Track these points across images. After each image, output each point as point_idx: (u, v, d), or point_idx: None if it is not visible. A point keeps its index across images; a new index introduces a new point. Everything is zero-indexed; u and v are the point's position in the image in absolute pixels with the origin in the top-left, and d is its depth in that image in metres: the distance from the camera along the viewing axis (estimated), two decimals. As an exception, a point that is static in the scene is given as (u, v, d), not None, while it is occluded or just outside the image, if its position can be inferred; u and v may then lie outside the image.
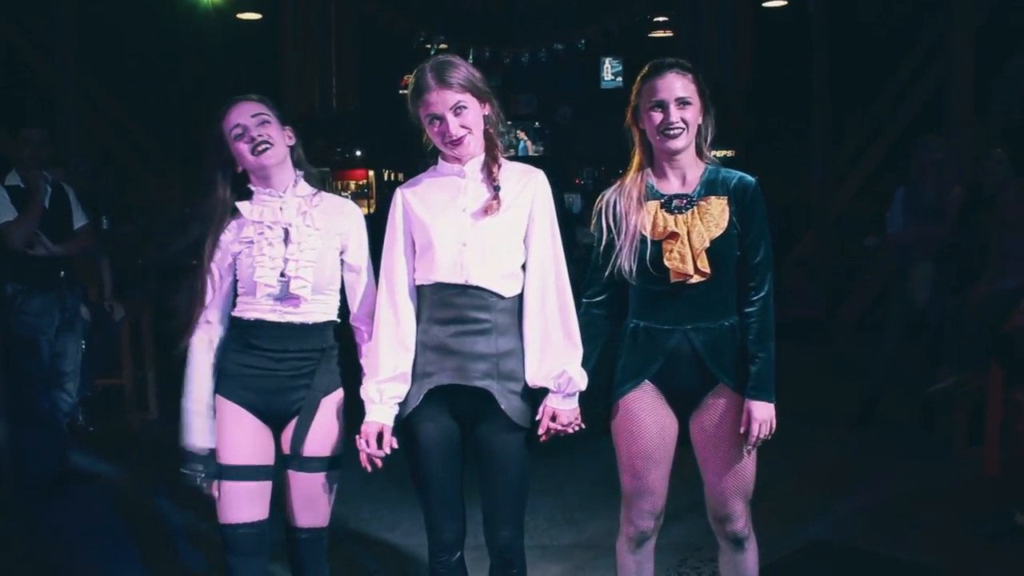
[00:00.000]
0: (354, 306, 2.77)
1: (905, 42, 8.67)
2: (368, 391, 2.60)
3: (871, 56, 9.39)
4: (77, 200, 5.04)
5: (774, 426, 2.64)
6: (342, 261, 2.74)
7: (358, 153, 16.46)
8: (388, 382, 2.59)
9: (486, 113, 2.61)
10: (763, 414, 2.62)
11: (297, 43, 9.64)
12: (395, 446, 2.58)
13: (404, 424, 2.60)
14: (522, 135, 14.68)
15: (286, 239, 2.64)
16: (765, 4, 9.95)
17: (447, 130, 2.53)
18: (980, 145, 7.00)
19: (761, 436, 2.63)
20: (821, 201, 10.03)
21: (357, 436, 2.57)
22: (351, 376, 2.73)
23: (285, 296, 2.63)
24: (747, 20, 9.22)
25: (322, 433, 2.67)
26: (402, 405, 2.60)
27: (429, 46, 9.61)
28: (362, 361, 2.73)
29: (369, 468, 2.57)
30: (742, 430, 2.64)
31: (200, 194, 2.76)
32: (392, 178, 16.58)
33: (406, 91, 2.65)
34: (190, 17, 9.29)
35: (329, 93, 9.78)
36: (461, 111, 2.53)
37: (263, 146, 2.62)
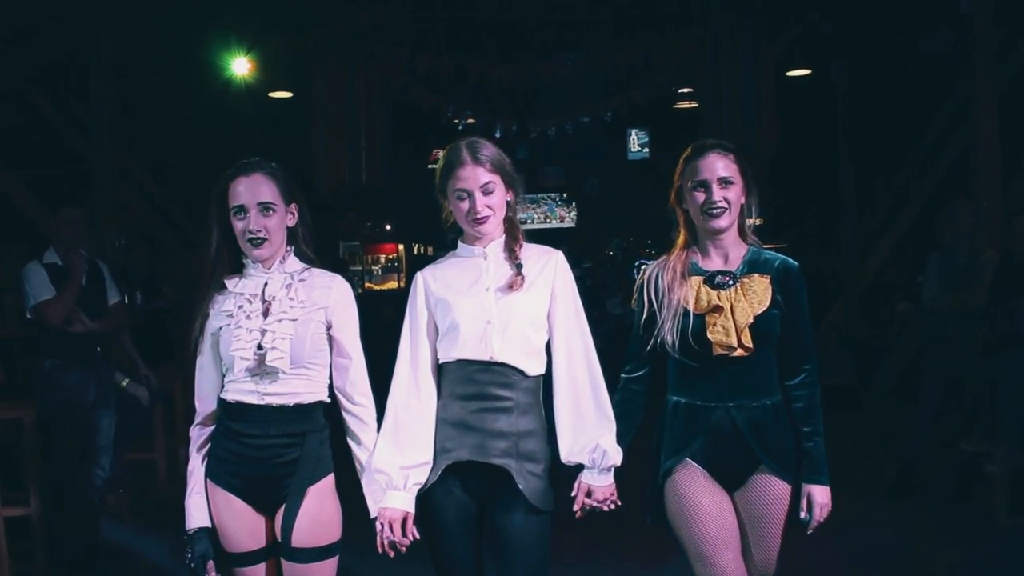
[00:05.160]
0: (343, 380, 2.66)
1: (930, 106, 8.70)
2: (391, 475, 2.53)
3: (896, 121, 9.43)
4: (111, 276, 5.12)
5: (830, 508, 2.63)
6: (330, 337, 2.64)
7: (388, 227, 16.65)
8: (415, 468, 2.55)
9: (509, 199, 2.64)
10: (823, 498, 2.61)
11: (327, 119, 9.78)
12: (416, 536, 2.52)
13: (421, 500, 2.56)
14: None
15: (266, 312, 2.57)
16: (789, 73, 10.03)
17: (474, 206, 2.56)
18: (1009, 209, 6.97)
19: (822, 520, 2.61)
20: (851, 267, 10.00)
21: (376, 520, 2.53)
22: (345, 454, 2.65)
23: (263, 371, 2.54)
24: (771, 89, 9.27)
25: (310, 523, 2.56)
26: None
27: (457, 120, 9.74)
28: (355, 441, 2.65)
29: (392, 554, 2.52)
30: (803, 515, 2.61)
31: (202, 252, 2.68)
32: (422, 252, 16.76)
33: (436, 165, 2.69)
34: (223, 95, 9.50)
35: (359, 167, 9.87)
36: (489, 191, 2.57)
37: (258, 241, 2.58)
